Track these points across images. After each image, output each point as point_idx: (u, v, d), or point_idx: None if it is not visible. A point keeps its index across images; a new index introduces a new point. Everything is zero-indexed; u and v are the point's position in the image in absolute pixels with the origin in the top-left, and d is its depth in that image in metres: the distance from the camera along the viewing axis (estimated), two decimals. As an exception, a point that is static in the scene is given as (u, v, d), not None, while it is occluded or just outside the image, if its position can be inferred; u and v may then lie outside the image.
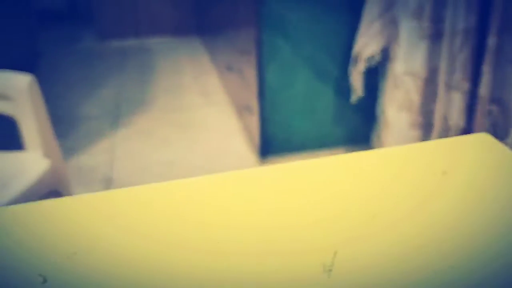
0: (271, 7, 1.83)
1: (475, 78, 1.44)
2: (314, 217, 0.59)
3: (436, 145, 0.79)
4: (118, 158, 2.14)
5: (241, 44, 2.18)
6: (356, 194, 0.63)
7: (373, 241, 0.55)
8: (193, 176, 0.67)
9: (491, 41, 1.32)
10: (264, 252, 0.54)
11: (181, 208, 0.61)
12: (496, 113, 1.40)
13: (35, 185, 1.20)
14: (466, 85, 1.45)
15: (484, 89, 1.36)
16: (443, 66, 1.62)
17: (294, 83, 1.96)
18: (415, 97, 1.69)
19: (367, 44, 1.76)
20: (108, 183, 1.98)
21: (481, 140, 0.75)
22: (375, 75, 1.91)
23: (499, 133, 1.42)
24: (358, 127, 2.11)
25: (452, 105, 1.60)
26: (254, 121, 2.08)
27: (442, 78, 1.63)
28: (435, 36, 1.60)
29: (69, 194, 1.37)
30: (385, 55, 1.75)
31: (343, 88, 1.98)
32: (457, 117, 1.53)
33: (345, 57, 1.93)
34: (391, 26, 1.69)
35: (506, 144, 0.92)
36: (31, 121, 1.27)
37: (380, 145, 1.85)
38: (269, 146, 2.05)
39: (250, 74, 2.02)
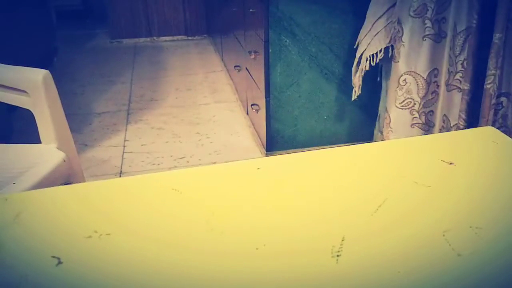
0: (278, 9, 1.87)
1: (477, 78, 1.43)
2: (322, 205, 0.60)
3: (443, 137, 0.79)
4: (129, 152, 2.19)
5: (249, 44, 2.21)
6: (367, 182, 0.64)
7: (380, 228, 0.55)
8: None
9: (497, 37, 1.30)
10: (273, 238, 0.55)
11: (190, 193, 0.63)
12: (506, 103, 1.40)
13: (49, 176, 1.21)
14: (467, 85, 1.45)
15: (490, 85, 1.34)
16: (445, 65, 1.62)
17: (299, 81, 2.00)
18: (417, 96, 1.70)
19: (370, 44, 1.77)
20: (119, 177, 2.03)
21: (488, 133, 0.76)
22: (378, 74, 1.94)
23: (509, 124, 1.42)
24: (361, 125, 2.13)
25: (453, 104, 1.60)
26: (261, 118, 2.12)
27: (443, 77, 1.64)
28: (438, 36, 1.61)
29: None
30: (388, 54, 1.76)
31: (347, 86, 2.01)
32: (458, 116, 1.53)
33: (349, 57, 1.96)
34: (394, 25, 1.70)
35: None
36: (46, 114, 1.29)
37: (382, 143, 1.85)
38: (275, 142, 2.09)
39: (258, 72, 2.06)
